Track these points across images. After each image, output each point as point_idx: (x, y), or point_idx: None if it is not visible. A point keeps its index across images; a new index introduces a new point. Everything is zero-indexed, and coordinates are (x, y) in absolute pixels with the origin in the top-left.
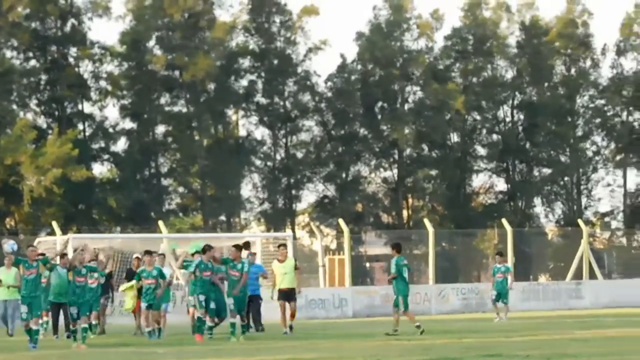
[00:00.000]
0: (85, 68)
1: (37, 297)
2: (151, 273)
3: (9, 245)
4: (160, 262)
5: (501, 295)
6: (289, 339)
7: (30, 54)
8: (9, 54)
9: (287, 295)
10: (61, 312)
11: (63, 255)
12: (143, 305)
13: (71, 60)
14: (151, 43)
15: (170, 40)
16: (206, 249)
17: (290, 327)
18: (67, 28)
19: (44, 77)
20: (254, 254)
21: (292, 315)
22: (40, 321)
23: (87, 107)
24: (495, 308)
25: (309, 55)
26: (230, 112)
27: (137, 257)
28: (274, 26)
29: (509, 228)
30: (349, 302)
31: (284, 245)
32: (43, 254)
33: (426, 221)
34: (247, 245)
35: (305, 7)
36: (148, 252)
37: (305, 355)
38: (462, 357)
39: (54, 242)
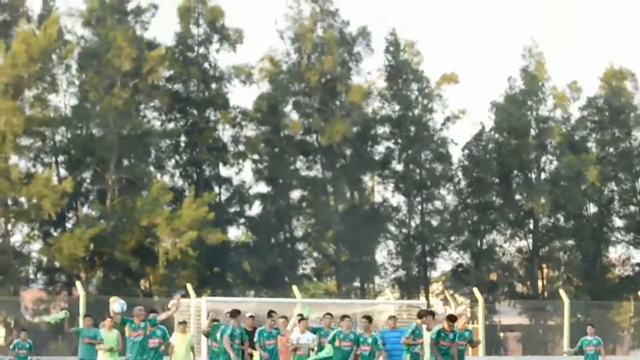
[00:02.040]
0: (224, 131)
1: None
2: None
3: (119, 304)
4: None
5: None
6: None
7: (171, 116)
8: (148, 114)
9: None
10: None
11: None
12: None
13: (211, 123)
14: (288, 107)
15: (306, 105)
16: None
17: None
18: (209, 91)
19: (183, 139)
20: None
21: None
22: None
23: (223, 171)
24: None
25: (446, 124)
26: (366, 178)
27: (252, 316)
28: (412, 93)
29: None
30: None
31: (433, 312)
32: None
33: (562, 292)
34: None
35: (445, 75)
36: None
37: None
38: None
39: (188, 304)
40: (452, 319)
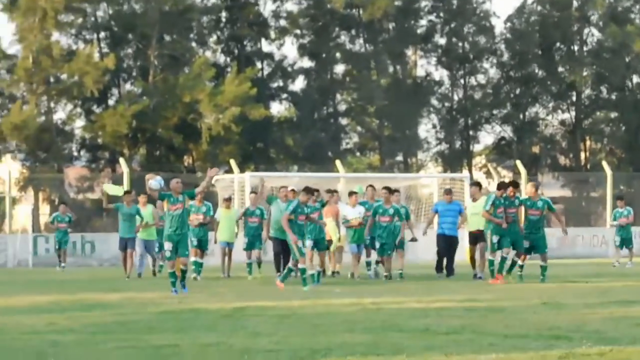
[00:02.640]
0: (265, 6)
1: (184, 234)
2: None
3: (157, 181)
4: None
5: (625, 240)
6: (461, 279)
7: None
8: None
9: (477, 238)
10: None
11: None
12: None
13: None
14: None
15: None
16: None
17: (480, 271)
18: None
19: (224, 14)
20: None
21: (482, 261)
22: (193, 258)
23: (265, 46)
24: (618, 254)
25: None
26: (409, 52)
27: (293, 190)
28: None
29: None
30: None
31: (478, 183)
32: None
33: (604, 164)
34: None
35: None
36: (328, 191)
37: (482, 296)
38: None
39: (232, 180)
40: (515, 185)
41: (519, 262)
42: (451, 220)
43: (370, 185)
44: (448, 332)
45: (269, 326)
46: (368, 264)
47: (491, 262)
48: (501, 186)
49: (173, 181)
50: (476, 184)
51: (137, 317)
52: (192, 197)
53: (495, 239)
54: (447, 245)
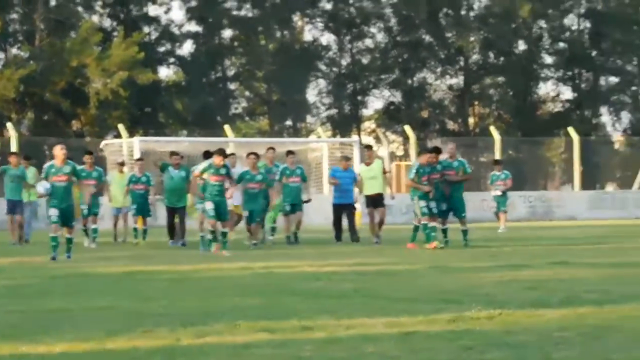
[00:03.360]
0: None
1: (69, 206)
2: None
3: (42, 187)
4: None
5: (501, 203)
6: (353, 244)
7: None
8: None
9: (376, 202)
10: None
11: (122, 162)
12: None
13: None
14: None
15: None
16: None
17: (378, 237)
18: None
19: None
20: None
21: (381, 223)
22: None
23: (152, 10)
24: (499, 218)
25: None
26: (295, 17)
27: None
28: None
29: (575, 136)
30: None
31: (370, 146)
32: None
33: (492, 129)
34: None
35: None
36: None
37: (373, 259)
38: (529, 264)
39: (120, 144)
40: (437, 150)
41: (441, 226)
42: (347, 187)
43: (271, 148)
44: (339, 295)
45: (159, 290)
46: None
47: (425, 227)
48: (423, 152)
49: (57, 148)
50: (368, 147)
51: (27, 282)
52: (78, 177)
53: (422, 203)
54: (346, 213)
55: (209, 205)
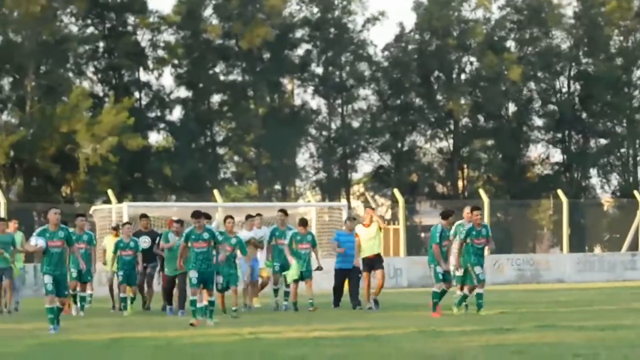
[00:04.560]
0: (143, 36)
1: (63, 274)
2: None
3: (35, 239)
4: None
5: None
6: (341, 309)
7: (89, 21)
8: (66, 20)
9: (374, 264)
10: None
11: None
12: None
13: (129, 28)
14: (207, 12)
15: (226, 9)
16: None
17: (376, 302)
18: None
19: (101, 44)
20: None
21: (380, 287)
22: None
23: (143, 76)
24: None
25: (366, 26)
26: (285, 81)
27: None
28: None
29: (564, 199)
30: (404, 272)
31: (371, 208)
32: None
33: (481, 192)
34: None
35: None
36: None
37: (358, 324)
38: (516, 327)
39: (110, 210)
40: (476, 208)
41: (466, 292)
42: (352, 252)
43: (250, 215)
44: None
45: (145, 357)
46: (275, 291)
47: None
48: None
49: (51, 212)
50: (370, 208)
51: (12, 350)
52: (70, 242)
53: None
54: (349, 278)
55: (193, 274)
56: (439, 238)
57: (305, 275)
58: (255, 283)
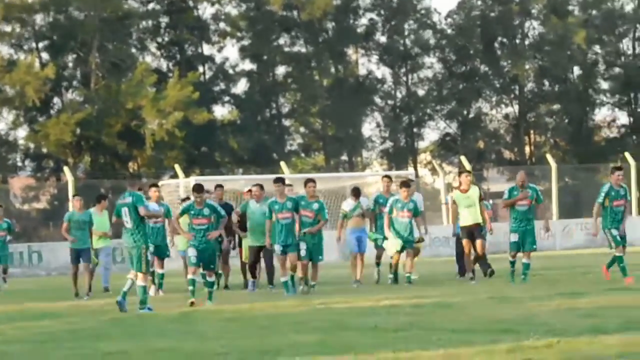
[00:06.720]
0: (205, 10)
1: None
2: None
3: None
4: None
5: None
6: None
7: None
8: None
9: (474, 233)
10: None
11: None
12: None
13: (190, 2)
14: None
15: None
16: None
17: (473, 272)
18: None
19: (163, 20)
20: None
21: (480, 256)
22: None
23: (206, 50)
24: None
25: None
26: (350, 51)
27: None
28: None
29: (632, 162)
30: None
31: (468, 172)
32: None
33: (549, 156)
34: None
35: None
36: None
37: (429, 292)
38: (588, 291)
39: (177, 184)
40: (619, 168)
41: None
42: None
43: (386, 176)
44: (396, 329)
45: (217, 330)
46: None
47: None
48: (615, 169)
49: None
50: (467, 172)
51: (85, 325)
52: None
53: (615, 232)
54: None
55: (192, 252)
56: (603, 197)
57: (406, 246)
58: (362, 255)
